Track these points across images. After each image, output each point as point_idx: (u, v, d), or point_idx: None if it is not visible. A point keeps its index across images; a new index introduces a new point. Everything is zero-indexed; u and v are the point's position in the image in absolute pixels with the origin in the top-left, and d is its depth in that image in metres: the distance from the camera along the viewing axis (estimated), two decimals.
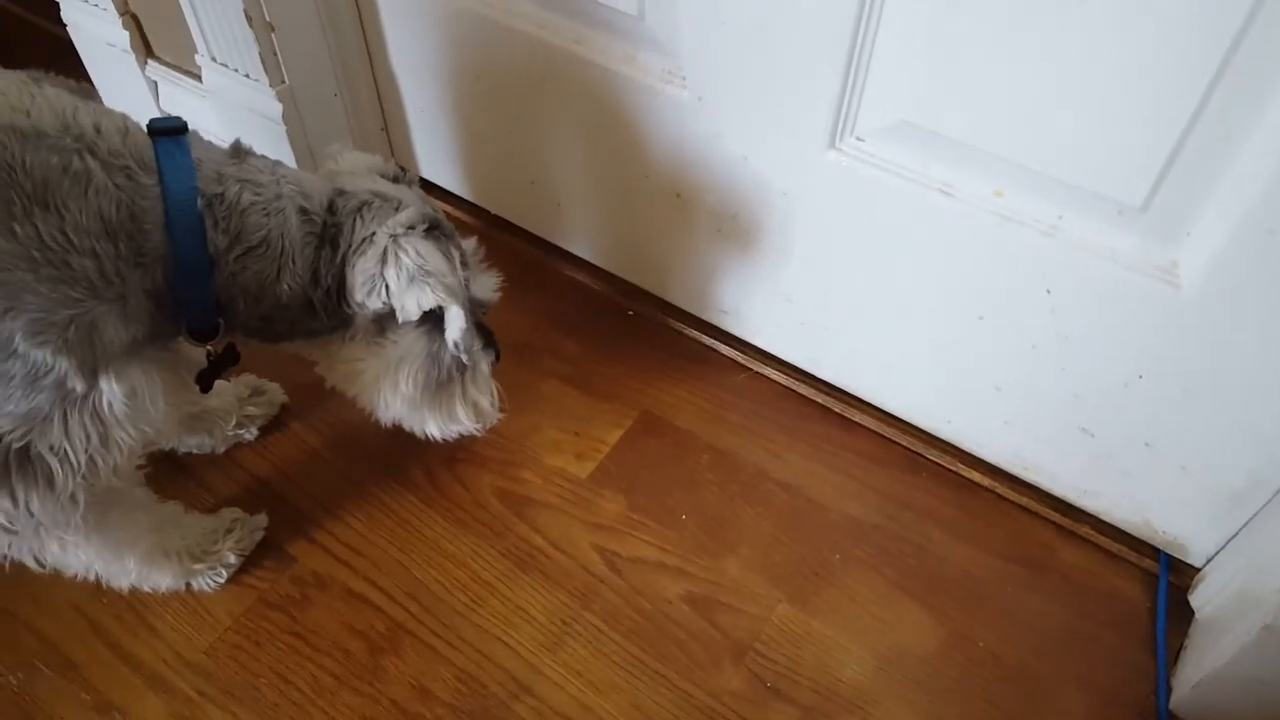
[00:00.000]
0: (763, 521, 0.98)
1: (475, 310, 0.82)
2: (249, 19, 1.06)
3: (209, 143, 0.72)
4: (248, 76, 1.14)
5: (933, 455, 1.04)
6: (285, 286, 0.73)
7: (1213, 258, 0.72)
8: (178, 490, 0.97)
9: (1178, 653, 0.88)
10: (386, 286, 0.75)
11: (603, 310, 1.21)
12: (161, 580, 0.87)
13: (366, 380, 0.82)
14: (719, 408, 1.09)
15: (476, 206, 1.31)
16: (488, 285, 0.85)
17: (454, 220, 0.96)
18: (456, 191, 1.32)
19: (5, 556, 0.72)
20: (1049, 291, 0.83)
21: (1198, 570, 0.93)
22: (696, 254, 1.09)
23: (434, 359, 0.80)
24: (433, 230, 0.77)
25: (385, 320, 0.78)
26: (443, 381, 0.82)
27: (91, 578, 0.82)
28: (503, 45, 1.05)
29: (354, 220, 0.75)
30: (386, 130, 1.31)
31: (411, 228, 0.75)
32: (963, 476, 1.03)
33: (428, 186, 1.32)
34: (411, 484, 1.01)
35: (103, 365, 0.65)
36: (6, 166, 0.58)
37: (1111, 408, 0.87)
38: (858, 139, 0.87)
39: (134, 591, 0.88)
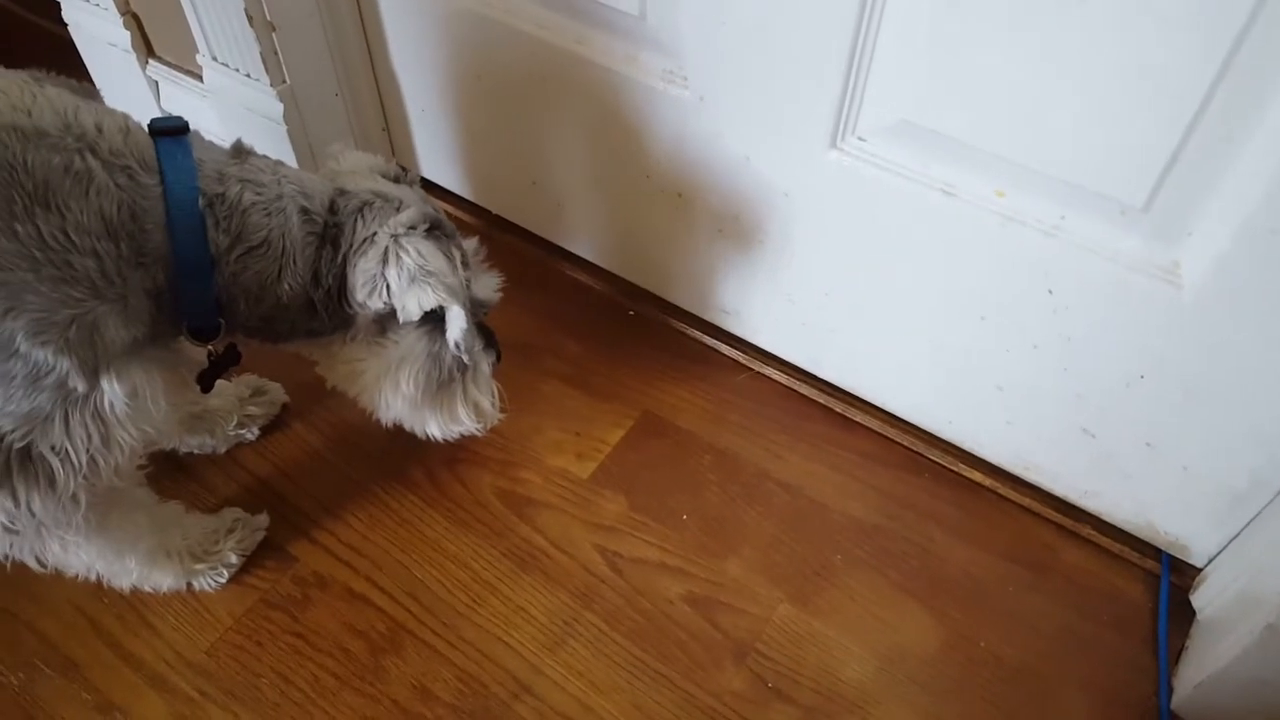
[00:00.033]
0: (764, 522, 0.98)
1: (476, 310, 0.82)
2: (250, 18, 1.06)
3: (210, 143, 0.72)
4: (249, 76, 1.14)
5: (934, 455, 1.04)
6: (286, 286, 0.73)
7: (1215, 258, 0.72)
8: (179, 490, 0.97)
9: (1179, 653, 0.88)
10: (388, 286, 0.74)
11: (604, 310, 1.20)
12: (163, 580, 0.87)
13: (368, 380, 0.82)
14: (720, 408, 1.09)
15: (477, 206, 1.31)
16: (489, 285, 0.85)
17: (455, 220, 0.97)
18: (457, 191, 1.32)
19: (6, 556, 0.72)
20: (1051, 292, 0.83)
21: (1199, 571, 0.93)
22: (698, 254, 1.08)
23: (435, 359, 0.80)
24: (434, 230, 0.77)
25: (386, 320, 0.78)
26: (444, 382, 0.82)
27: (93, 578, 0.82)
28: (504, 45, 1.05)
29: (355, 220, 0.75)
30: (388, 130, 1.31)
31: (413, 228, 0.75)
32: (964, 477, 1.03)
33: (429, 186, 1.32)
34: (413, 484, 1.01)
35: (104, 365, 0.65)
36: (8, 166, 0.58)
37: (1113, 408, 0.87)
38: (859, 139, 0.87)
39: (135, 591, 0.88)
